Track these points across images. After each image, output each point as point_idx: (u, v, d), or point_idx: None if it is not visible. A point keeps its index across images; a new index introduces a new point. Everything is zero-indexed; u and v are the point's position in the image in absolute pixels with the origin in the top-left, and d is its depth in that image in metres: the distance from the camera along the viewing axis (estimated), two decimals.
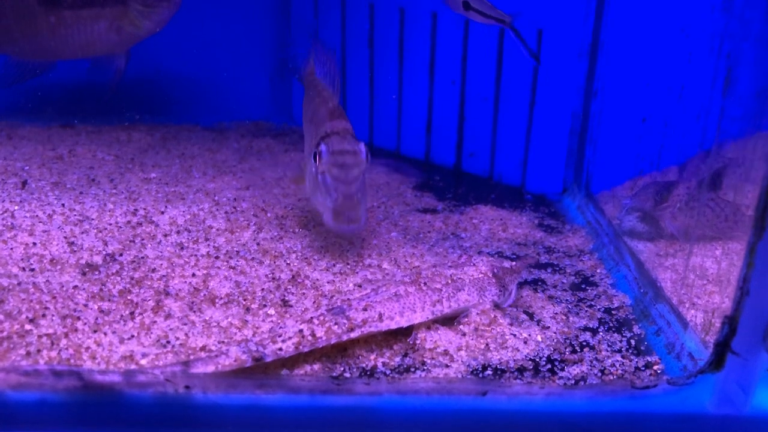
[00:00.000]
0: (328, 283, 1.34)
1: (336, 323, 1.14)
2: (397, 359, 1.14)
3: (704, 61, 1.22)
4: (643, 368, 1.16)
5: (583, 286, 1.45)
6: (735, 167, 1.36)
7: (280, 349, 1.09)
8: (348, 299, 1.22)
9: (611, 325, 1.30)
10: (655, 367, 1.16)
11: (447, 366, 1.14)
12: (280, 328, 1.13)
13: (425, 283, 1.25)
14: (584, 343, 1.23)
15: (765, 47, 0.97)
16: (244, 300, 1.25)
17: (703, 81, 1.21)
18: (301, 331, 1.11)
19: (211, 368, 1.05)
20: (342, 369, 1.11)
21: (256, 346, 1.08)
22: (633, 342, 1.24)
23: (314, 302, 1.27)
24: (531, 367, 1.15)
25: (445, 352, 1.17)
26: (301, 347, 1.10)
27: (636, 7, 1.63)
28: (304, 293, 1.29)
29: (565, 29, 1.82)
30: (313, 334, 1.11)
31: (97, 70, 2.15)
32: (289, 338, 1.10)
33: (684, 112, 1.32)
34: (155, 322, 1.16)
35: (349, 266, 1.41)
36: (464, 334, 1.21)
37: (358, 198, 1.37)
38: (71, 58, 2.12)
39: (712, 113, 1.19)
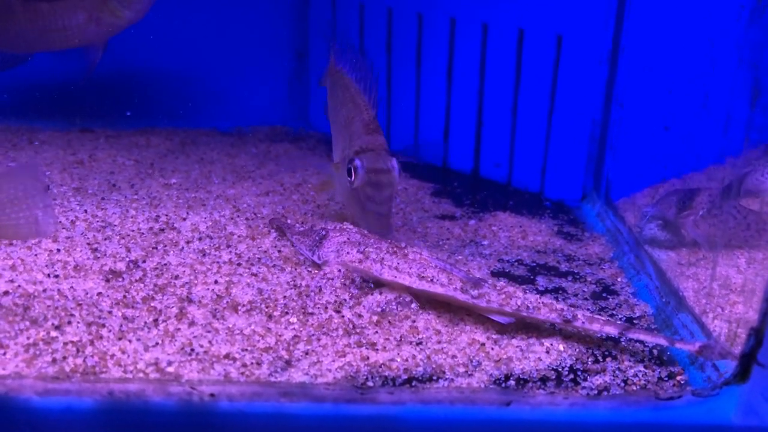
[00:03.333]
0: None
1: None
2: (420, 369, 1.14)
3: (729, 70, 1.21)
4: (666, 379, 1.16)
5: (603, 294, 1.44)
6: (758, 176, 1.35)
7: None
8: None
9: None
10: (678, 378, 1.16)
11: (470, 375, 1.14)
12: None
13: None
14: (606, 353, 1.22)
15: None
16: (267, 307, 1.25)
17: (727, 90, 1.20)
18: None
19: None
20: (365, 377, 1.11)
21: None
22: (655, 352, 1.24)
23: (336, 311, 1.27)
24: (554, 377, 1.15)
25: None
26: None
27: (657, 14, 1.62)
28: (325, 302, 1.29)
29: (585, 35, 1.82)
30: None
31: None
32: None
33: (707, 121, 1.31)
34: (179, 329, 1.16)
35: None
36: (483, 344, 1.21)
37: (389, 214, 1.45)
38: (49, 50, 2.10)
39: (735, 122, 1.18)
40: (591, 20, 1.80)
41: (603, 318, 1.24)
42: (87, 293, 1.22)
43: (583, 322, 1.22)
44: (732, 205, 1.48)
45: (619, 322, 1.23)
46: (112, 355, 1.09)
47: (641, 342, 1.22)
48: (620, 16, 1.77)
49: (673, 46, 1.53)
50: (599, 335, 1.24)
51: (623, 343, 1.27)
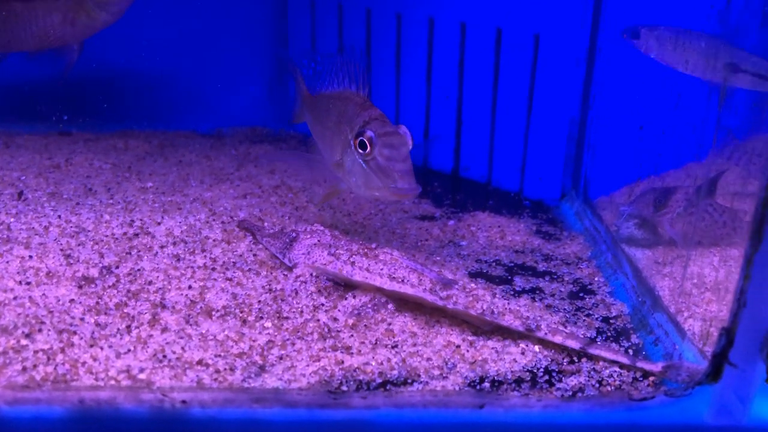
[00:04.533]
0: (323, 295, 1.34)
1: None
2: (395, 372, 1.14)
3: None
4: (641, 379, 1.16)
5: (581, 294, 1.45)
6: (732, 175, 1.36)
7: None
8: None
9: (609, 334, 1.30)
10: (653, 378, 1.16)
11: (444, 378, 1.14)
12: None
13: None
14: (582, 354, 1.22)
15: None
16: (241, 312, 1.24)
17: (699, 90, 1.20)
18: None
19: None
20: (340, 382, 1.11)
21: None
22: (631, 352, 1.24)
23: (312, 315, 1.26)
24: (528, 378, 1.15)
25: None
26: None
27: (633, 13, 1.62)
28: (301, 306, 1.29)
29: (563, 35, 1.82)
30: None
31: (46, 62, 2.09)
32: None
33: (680, 121, 1.31)
34: (152, 335, 1.16)
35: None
36: (458, 346, 1.20)
37: (412, 171, 1.40)
38: (23, 51, 2.06)
39: (709, 122, 1.19)
40: (568, 20, 1.80)
41: (566, 331, 1.24)
42: (59, 300, 1.21)
43: (545, 333, 1.22)
44: (708, 203, 1.49)
45: (581, 336, 1.23)
46: (84, 363, 1.08)
47: (603, 358, 1.20)
48: (597, 16, 1.78)
49: None
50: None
51: (599, 341, 1.27)
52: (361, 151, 1.39)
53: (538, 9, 1.84)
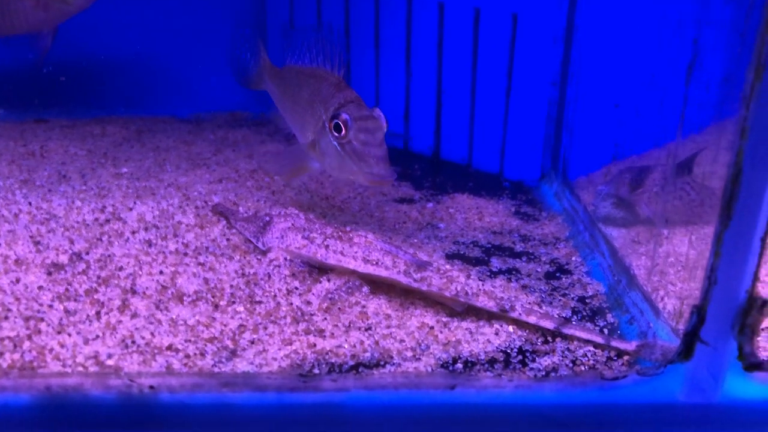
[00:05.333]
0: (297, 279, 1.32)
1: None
2: (367, 355, 1.13)
3: (673, 48, 1.20)
4: (616, 358, 1.16)
5: (557, 274, 1.44)
6: (706, 153, 1.34)
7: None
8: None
9: (585, 314, 1.29)
10: (627, 357, 1.16)
11: (417, 359, 1.13)
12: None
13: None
14: (557, 334, 1.22)
15: (728, 32, 0.95)
16: (213, 297, 1.23)
17: (672, 67, 1.19)
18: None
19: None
20: (312, 365, 1.10)
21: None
22: (606, 331, 1.23)
23: (285, 299, 1.25)
24: (502, 358, 1.14)
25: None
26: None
27: None
28: (274, 290, 1.27)
29: (540, 14, 1.80)
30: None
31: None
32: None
33: (655, 99, 1.30)
34: (121, 321, 1.14)
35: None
36: (432, 327, 1.20)
37: (387, 156, 1.39)
38: None
39: (679, 99, 1.18)
40: None
41: (541, 311, 1.23)
42: (27, 287, 1.19)
43: (519, 314, 1.21)
44: (685, 182, 1.48)
45: (556, 316, 1.23)
46: (51, 350, 1.07)
47: (578, 338, 1.20)
48: None
49: (623, 23, 1.51)
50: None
51: (574, 321, 1.26)
52: (336, 133, 1.38)
53: None
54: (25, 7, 1.94)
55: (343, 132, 1.38)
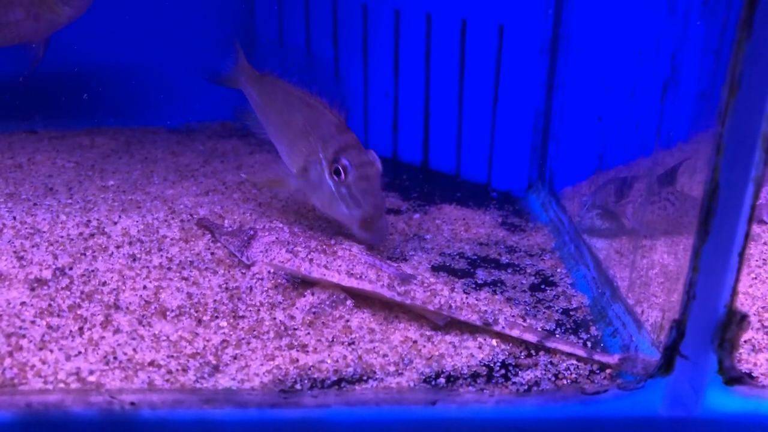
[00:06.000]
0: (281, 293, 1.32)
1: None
2: (350, 369, 1.13)
3: (652, 62, 1.21)
4: (598, 372, 1.16)
5: (542, 286, 1.44)
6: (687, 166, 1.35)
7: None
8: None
9: (568, 326, 1.30)
10: (610, 371, 1.16)
11: (400, 374, 1.13)
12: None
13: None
14: (540, 347, 1.22)
15: (704, 50, 0.96)
16: (196, 312, 1.23)
17: (651, 81, 1.20)
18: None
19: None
20: (294, 380, 1.10)
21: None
22: (589, 344, 1.24)
23: (269, 313, 1.25)
24: (485, 373, 1.15)
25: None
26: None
27: (595, 3, 1.61)
28: (257, 304, 1.27)
29: (526, 25, 1.81)
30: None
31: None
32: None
33: (635, 112, 1.31)
34: (104, 337, 1.14)
35: None
36: (415, 341, 1.20)
37: (383, 208, 1.46)
38: None
39: (655, 114, 1.18)
40: (531, 10, 1.79)
41: (524, 324, 1.24)
42: (9, 303, 1.19)
43: (503, 327, 1.21)
44: (668, 192, 1.48)
45: (539, 330, 1.23)
46: (32, 366, 1.06)
47: (561, 351, 1.20)
48: (559, 6, 1.77)
49: (606, 36, 1.52)
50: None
51: (558, 334, 1.26)
52: (335, 177, 1.43)
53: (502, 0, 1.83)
54: (16, 17, 1.94)
55: (343, 177, 1.42)
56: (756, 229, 1.68)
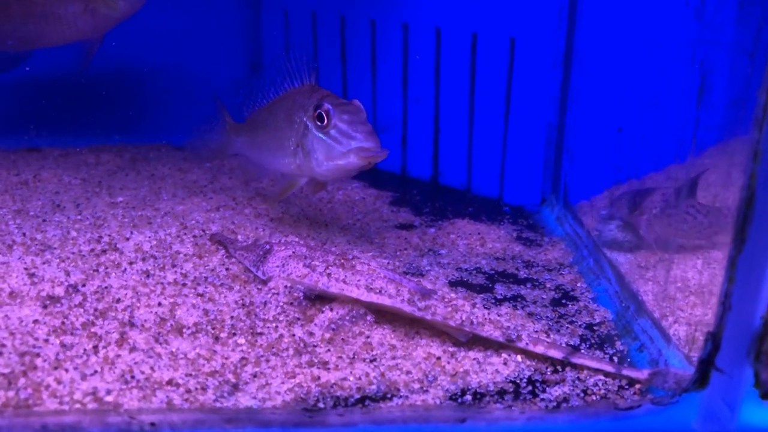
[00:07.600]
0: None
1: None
2: (373, 387, 1.10)
3: (678, 70, 1.19)
4: (627, 387, 1.13)
5: (563, 301, 1.41)
6: (711, 175, 1.33)
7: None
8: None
9: (593, 341, 1.27)
10: (639, 386, 1.13)
11: (425, 391, 1.10)
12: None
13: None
14: (566, 362, 1.19)
15: (737, 54, 0.94)
16: (213, 329, 1.20)
17: (677, 90, 1.18)
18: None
19: None
20: (316, 398, 1.07)
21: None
22: (616, 359, 1.21)
23: (287, 329, 1.22)
24: (511, 389, 1.11)
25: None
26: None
27: (608, 15, 1.60)
28: (275, 320, 1.24)
29: (538, 38, 1.80)
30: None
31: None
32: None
33: (659, 121, 1.29)
34: (119, 355, 1.11)
35: None
36: (439, 358, 1.17)
37: (374, 131, 1.44)
38: (46, 46, 1.98)
39: (688, 122, 1.16)
40: (543, 23, 1.78)
41: (548, 340, 1.21)
42: (22, 321, 1.16)
43: (527, 344, 1.18)
44: (689, 204, 1.46)
45: (564, 346, 1.20)
46: (47, 386, 1.03)
47: (587, 367, 1.17)
48: (572, 19, 1.75)
49: (624, 47, 1.51)
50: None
51: (583, 349, 1.24)
52: (319, 123, 1.43)
53: (513, 13, 1.82)
54: (74, 10, 1.90)
55: (326, 121, 1.42)
56: None
